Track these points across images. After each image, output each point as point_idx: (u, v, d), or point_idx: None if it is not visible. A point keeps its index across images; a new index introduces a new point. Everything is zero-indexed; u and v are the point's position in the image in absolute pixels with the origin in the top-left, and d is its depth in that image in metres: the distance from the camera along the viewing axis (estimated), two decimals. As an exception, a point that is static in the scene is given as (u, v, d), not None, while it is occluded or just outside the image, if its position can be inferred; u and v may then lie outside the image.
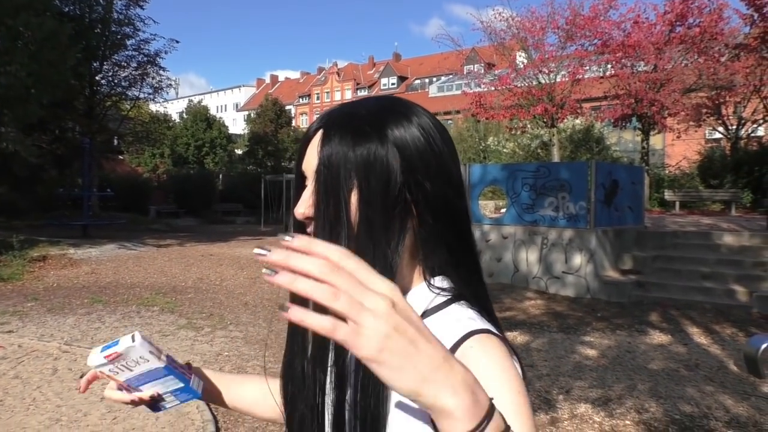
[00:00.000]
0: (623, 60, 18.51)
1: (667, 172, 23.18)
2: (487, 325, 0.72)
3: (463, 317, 0.73)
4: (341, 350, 0.70)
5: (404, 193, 0.72)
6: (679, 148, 25.42)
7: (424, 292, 0.77)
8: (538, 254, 9.97)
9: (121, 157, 31.69)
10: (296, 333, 0.80)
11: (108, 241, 14.78)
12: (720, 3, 18.17)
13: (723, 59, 18.88)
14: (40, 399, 4.47)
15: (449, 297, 0.76)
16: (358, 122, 0.73)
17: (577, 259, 9.53)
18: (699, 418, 4.33)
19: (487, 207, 16.56)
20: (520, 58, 20.61)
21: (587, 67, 19.18)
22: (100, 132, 21.95)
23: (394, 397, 0.67)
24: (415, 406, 0.55)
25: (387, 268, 0.69)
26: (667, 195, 18.45)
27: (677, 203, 17.96)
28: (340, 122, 0.74)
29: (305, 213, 0.75)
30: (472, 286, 0.79)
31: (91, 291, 9.11)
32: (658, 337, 6.70)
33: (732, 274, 8.78)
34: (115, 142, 27.16)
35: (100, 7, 20.53)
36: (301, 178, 0.78)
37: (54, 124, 21.16)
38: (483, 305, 0.78)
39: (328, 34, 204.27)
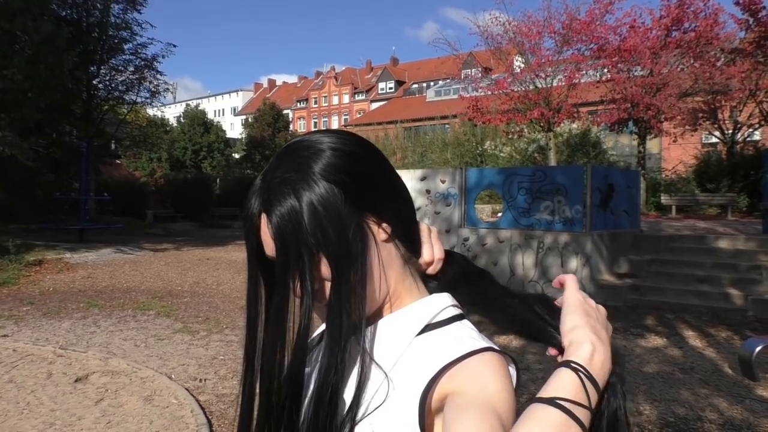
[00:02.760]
0: (619, 64, 18.55)
1: (663, 176, 23.20)
2: (488, 343, 0.73)
3: (464, 336, 0.74)
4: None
5: (363, 220, 0.74)
6: (676, 152, 25.45)
7: (423, 308, 0.78)
8: (535, 258, 9.98)
9: (118, 161, 31.67)
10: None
11: (105, 245, 14.76)
12: (715, 8, 18.25)
13: (719, 64, 18.93)
14: (34, 403, 4.46)
15: (452, 316, 0.78)
16: (285, 185, 0.72)
17: (573, 263, 9.54)
18: (693, 420, 4.34)
19: (483, 211, 16.57)
20: (517, 62, 20.64)
21: (583, 72, 19.23)
22: (97, 136, 21.97)
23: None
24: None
25: (373, 299, 0.75)
26: (664, 199, 18.49)
27: (673, 207, 18.01)
28: (273, 195, 0.72)
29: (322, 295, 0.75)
30: None
31: (87, 295, 9.10)
32: (654, 341, 6.71)
33: (728, 277, 8.80)
34: (113, 146, 27.16)
35: (97, 11, 20.57)
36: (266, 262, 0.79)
37: (51, 128, 21.15)
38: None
39: (326, 38, 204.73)
